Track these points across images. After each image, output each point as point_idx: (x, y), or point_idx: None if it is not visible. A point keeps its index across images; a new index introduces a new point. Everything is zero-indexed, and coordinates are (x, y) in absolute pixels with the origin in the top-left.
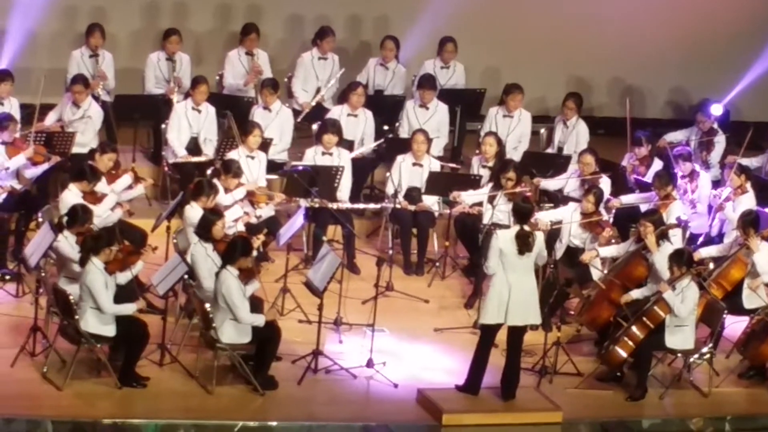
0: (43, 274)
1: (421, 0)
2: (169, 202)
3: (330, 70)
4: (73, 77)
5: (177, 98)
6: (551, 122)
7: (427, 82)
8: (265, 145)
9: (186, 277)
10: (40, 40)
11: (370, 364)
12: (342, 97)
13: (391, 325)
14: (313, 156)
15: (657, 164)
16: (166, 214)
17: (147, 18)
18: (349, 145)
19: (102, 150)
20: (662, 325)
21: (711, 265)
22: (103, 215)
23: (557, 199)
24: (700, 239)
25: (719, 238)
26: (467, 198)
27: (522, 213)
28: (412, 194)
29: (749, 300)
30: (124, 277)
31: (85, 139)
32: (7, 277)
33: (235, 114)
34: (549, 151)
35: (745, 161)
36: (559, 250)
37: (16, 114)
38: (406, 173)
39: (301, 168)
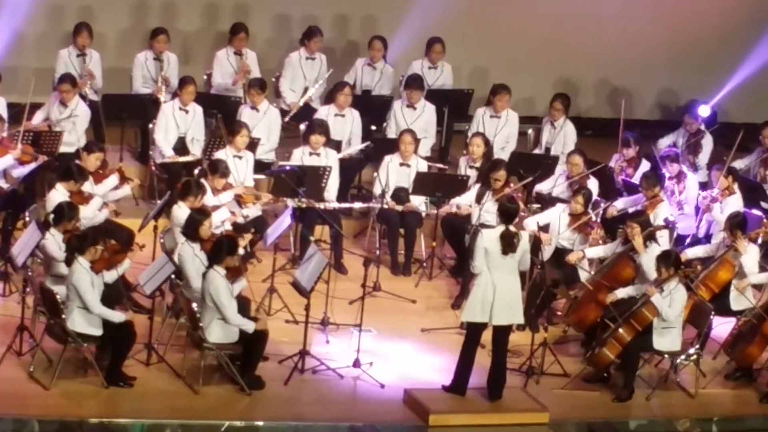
0: (30, 274)
1: (409, 0)
2: (157, 201)
3: (318, 70)
4: (61, 76)
5: (164, 98)
6: (539, 123)
7: (414, 82)
8: (252, 145)
9: (173, 276)
10: (28, 40)
11: (356, 364)
12: (329, 97)
13: (378, 326)
14: (300, 156)
15: (645, 165)
16: (153, 214)
17: (135, 17)
18: (336, 146)
19: (89, 150)
20: (650, 327)
21: (699, 267)
22: (89, 216)
23: (545, 199)
24: (688, 240)
25: (706, 239)
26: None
27: (507, 213)
28: (400, 194)
29: (736, 301)
30: (110, 276)
31: (73, 138)
32: None
33: (222, 113)
34: (536, 151)
35: (736, 163)
36: (547, 251)
37: (4, 113)
38: (394, 173)
39: (288, 168)
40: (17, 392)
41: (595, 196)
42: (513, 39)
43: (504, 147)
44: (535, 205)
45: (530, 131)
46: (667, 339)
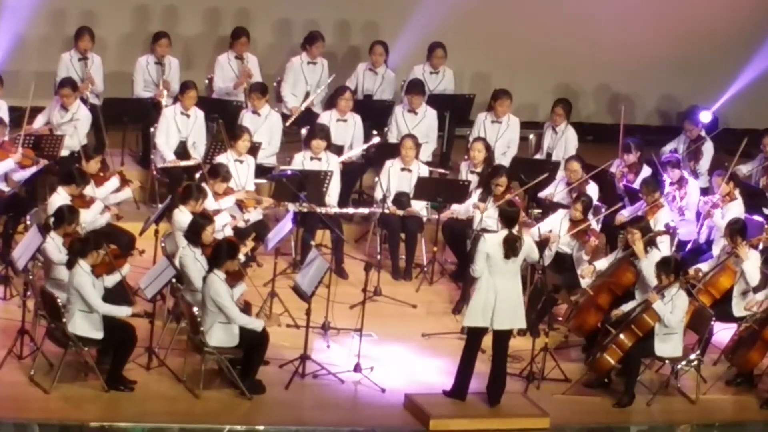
0: (30, 277)
1: (411, 5)
2: (158, 205)
3: (319, 74)
4: (61, 80)
5: (166, 102)
6: (540, 128)
7: (415, 87)
8: (253, 150)
9: (174, 280)
10: (29, 43)
11: (357, 368)
12: (330, 102)
13: (379, 330)
14: (301, 161)
15: (646, 171)
16: (155, 218)
17: (136, 21)
18: (338, 150)
19: (87, 157)
20: (651, 332)
21: (700, 274)
22: (91, 220)
23: (546, 205)
24: (689, 246)
25: (707, 245)
26: (458, 208)
27: (509, 217)
28: (401, 199)
29: (738, 307)
30: (111, 280)
31: (74, 142)
32: None
33: (224, 118)
34: (538, 157)
35: (740, 167)
36: (548, 257)
37: (5, 117)
38: (395, 178)
39: (289, 172)
40: (18, 396)
41: (595, 202)
42: (514, 44)
43: (505, 152)
44: (536, 211)
45: (531, 136)
46: (668, 345)
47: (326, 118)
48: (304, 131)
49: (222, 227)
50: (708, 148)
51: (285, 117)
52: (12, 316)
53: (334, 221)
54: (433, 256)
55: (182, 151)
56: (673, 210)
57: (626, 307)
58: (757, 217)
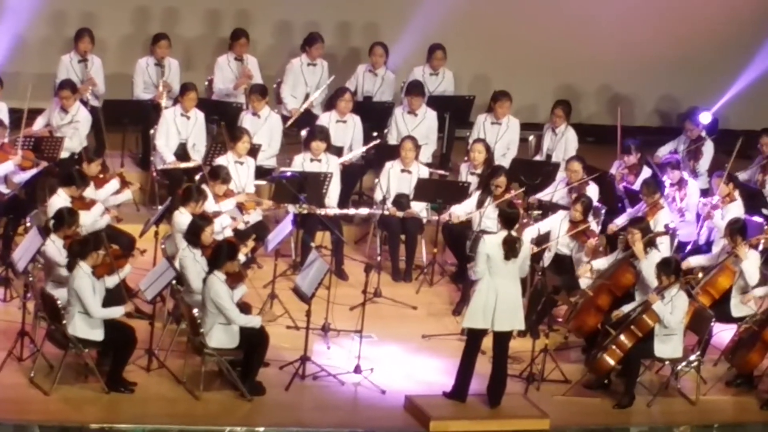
0: (30, 279)
1: (411, 7)
2: (158, 207)
3: (319, 76)
4: (61, 82)
5: (165, 103)
6: (540, 129)
7: (415, 88)
8: (253, 151)
9: (174, 282)
10: (29, 45)
11: (357, 370)
12: (330, 104)
13: (379, 332)
14: (301, 162)
15: (646, 172)
16: (155, 220)
17: (136, 23)
18: (337, 152)
19: (88, 160)
20: (650, 333)
21: (700, 275)
22: (90, 222)
23: (545, 206)
24: (689, 247)
25: (707, 246)
26: (458, 210)
27: (508, 218)
28: (401, 201)
29: (737, 308)
30: (112, 281)
31: (74, 144)
32: None
33: (224, 119)
34: (537, 158)
35: (739, 175)
36: (547, 258)
37: (5, 119)
38: (395, 180)
39: (289, 174)
40: (18, 398)
41: (595, 203)
42: (514, 46)
43: (505, 153)
44: (536, 212)
45: (531, 138)
46: (668, 346)
47: (326, 119)
48: (303, 133)
49: (222, 229)
50: (708, 149)
51: (285, 118)
52: (12, 318)
53: (334, 223)
54: (433, 257)
55: (182, 153)
56: (673, 211)
57: (626, 308)
58: (757, 218)
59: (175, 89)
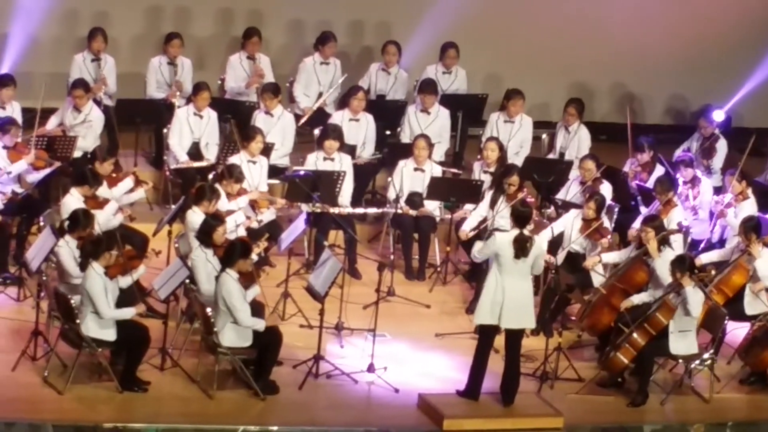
0: (44, 278)
1: (424, 5)
2: (171, 206)
3: (332, 74)
4: (73, 82)
5: (178, 102)
6: (553, 128)
7: (428, 86)
8: (266, 150)
9: (187, 281)
10: (42, 45)
11: (371, 369)
12: (343, 102)
13: (393, 330)
14: (314, 161)
15: (659, 170)
16: (168, 219)
17: (149, 22)
18: (350, 150)
19: (101, 159)
20: (664, 331)
21: (713, 272)
22: (104, 221)
23: (558, 204)
24: (702, 245)
25: (720, 244)
26: (465, 227)
27: (521, 217)
28: (414, 199)
29: (751, 306)
30: (125, 282)
31: (87, 143)
32: (9, 281)
33: (236, 118)
34: (550, 156)
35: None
36: (560, 256)
37: (18, 118)
38: (408, 178)
39: (302, 173)
40: (32, 397)
41: (609, 201)
42: (527, 44)
43: (518, 152)
44: (549, 210)
45: (544, 136)
46: (683, 343)
47: (339, 117)
48: (316, 131)
49: (236, 226)
50: (722, 146)
51: (298, 117)
52: (26, 318)
53: (347, 221)
54: (446, 256)
55: (195, 152)
56: (686, 209)
57: (636, 299)
58: None
59: (187, 88)
